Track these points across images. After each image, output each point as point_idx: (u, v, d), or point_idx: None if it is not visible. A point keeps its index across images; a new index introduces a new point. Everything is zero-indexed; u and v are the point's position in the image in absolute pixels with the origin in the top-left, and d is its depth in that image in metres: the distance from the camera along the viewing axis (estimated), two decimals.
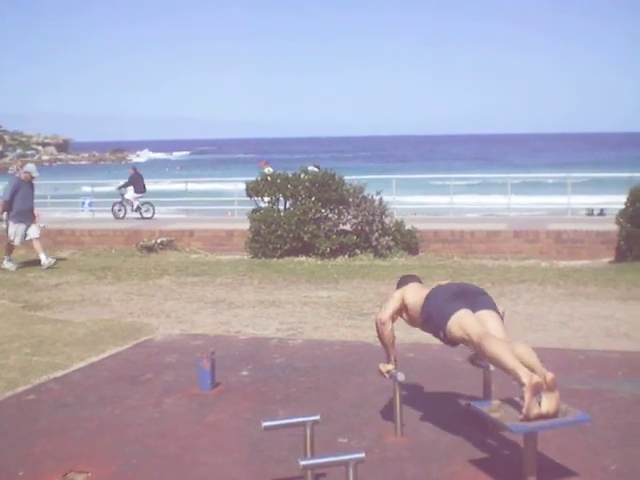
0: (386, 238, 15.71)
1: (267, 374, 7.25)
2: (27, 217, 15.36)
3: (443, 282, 5.75)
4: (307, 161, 33.74)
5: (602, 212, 26.39)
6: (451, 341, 5.34)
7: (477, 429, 5.59)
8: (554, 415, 4.59)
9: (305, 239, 15.67)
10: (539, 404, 4.57)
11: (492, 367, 5.63)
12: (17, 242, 15.32)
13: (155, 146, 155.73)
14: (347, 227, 16.16)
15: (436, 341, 5.63)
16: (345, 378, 7.08)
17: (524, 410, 4.54)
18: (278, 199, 16.52)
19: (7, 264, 15.10)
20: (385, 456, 5.21)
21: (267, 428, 4.85)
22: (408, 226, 16.46)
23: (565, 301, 10.90)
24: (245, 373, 7.31)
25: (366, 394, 6.54)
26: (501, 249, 16.22)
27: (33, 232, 15.32)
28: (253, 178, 17.13)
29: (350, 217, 16.11)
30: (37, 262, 15.35)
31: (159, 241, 17.92)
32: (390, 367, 5.64)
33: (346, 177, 16.95)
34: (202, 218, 25.06)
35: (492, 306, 5.38)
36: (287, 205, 16.45)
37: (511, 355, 4.82)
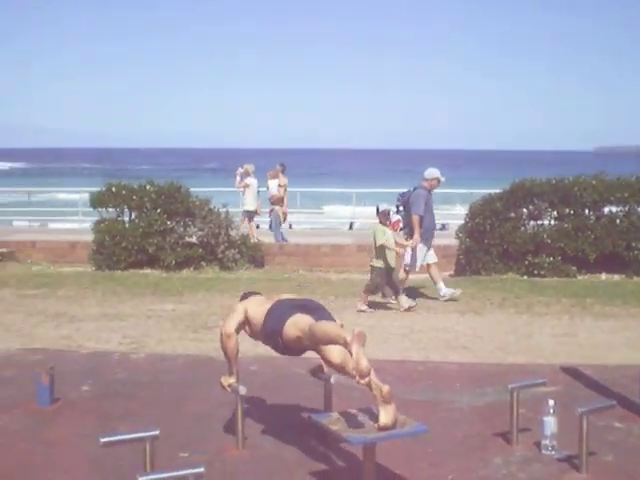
0: (232, 251, 15.70)
1: (108, 389, 7.12)
2: (432, 237, 12.95)
3: (284, 296, 5.78)
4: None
5: (443, 227, 27.10)
6: (288, 346, 5.36)
7: (318, 441, 5.66)
8: (392, 427, 4.69)
9: (150, 251, 15.48)
10: (377, 417, 4.67)
11: (333, 380, 5.73)
12: (417, 267, 12.68)
13: None
14: (193, 239, 16.07)
15: (279, 354, 5.68)
16: (187, 392, 7.02)
17: (353, 363, 4.72)
18: (123, 210, 16.26)
19: (406, 302, 11.69)
20: (226, 470, 5.21)
21: (106, 444, 4.76)
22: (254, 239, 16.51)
23: (406, 314, 11.15)
24: (85, 388, 7.15)
25: (208, 408, 6.51)
26: (346, 263, 16.45)
27: (432, 255, 12.83)
28: (98, 189, 16.78)
29: (196, 229, 16.03)
30: None
31: None
32: (232, 380, 5.63)
33: (192, 189, 16.77)
34: (45, 229, 24.35)
35: (331, 318, 5.44)
36: (132, 217, 16.21)
37: (339, 328, 4.96)
